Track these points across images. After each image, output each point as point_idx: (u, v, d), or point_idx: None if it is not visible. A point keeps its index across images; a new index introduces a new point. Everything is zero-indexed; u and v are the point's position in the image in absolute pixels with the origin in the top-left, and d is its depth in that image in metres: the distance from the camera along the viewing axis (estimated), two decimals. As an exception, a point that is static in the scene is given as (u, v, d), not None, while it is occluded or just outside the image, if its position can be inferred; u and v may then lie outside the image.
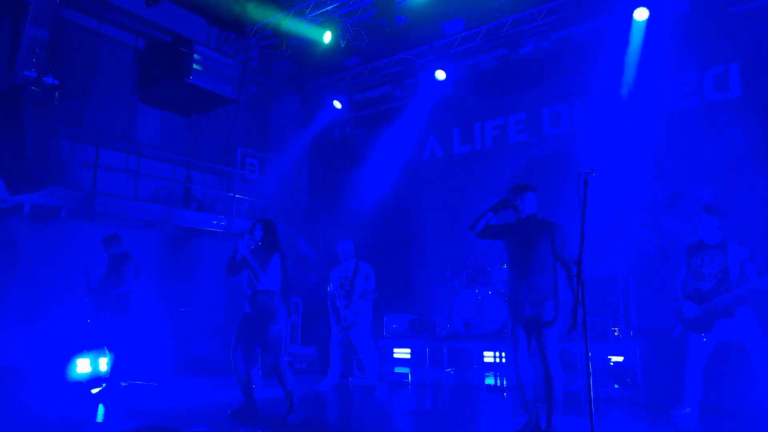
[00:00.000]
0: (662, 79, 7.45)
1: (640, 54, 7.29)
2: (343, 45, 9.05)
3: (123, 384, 6.10)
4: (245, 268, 4.71)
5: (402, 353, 7.87)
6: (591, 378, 3.13)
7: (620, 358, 5.99)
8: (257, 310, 4.62)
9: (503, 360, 6.69)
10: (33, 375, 6.34)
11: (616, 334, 6.04)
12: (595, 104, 7.97)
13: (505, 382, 6.59)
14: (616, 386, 5.83)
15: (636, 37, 7.27)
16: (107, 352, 6.04)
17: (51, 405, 5.41)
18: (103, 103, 8.53)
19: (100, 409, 5.25)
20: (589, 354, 3.07)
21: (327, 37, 8.78)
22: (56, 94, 6.35)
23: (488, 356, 7.14)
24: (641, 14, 7.14)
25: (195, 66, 8.53)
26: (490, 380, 6.93)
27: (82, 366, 6.19)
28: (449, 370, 7.43)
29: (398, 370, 7.71)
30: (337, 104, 9.94)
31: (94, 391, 6.00)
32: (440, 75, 8.83)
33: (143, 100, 9.12)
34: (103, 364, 6.16)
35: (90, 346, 6.22)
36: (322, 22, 8.77)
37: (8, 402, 5.49)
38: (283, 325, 4.71)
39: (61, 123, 6.61)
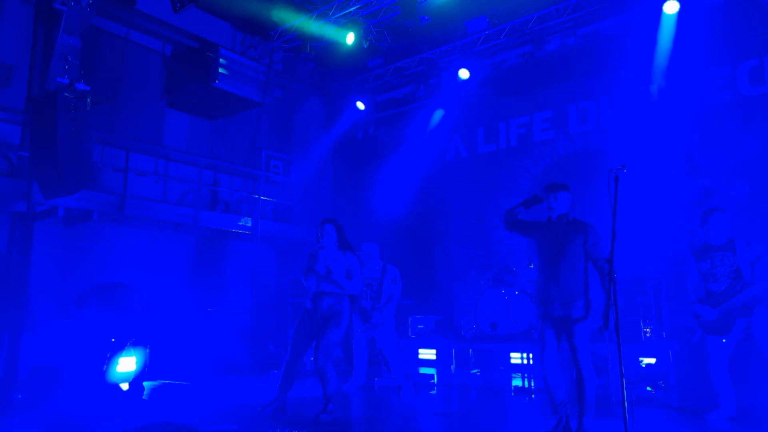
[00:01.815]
0: (694, 74, 7.26)
1: (671, 48, 7.12)
2: (366, 46, 9.07)
3: (150, 383, 6.20)
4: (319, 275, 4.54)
5: (427, 354, 7.83)
6: (623, 380, 3.06)
7: (652, 360, 5.86)
8: (323, 312, 4.52)
9: (530, 361, 6.60)
10: (68, 374, 6.48)
11: (647, 335, 5.90)
12: (624, 100, 7.81)
13: (532, 384, 6.50)
14: (648, 388, 5.70)
15: (666, 31, 7.10)
16: (139, 351, 6.15)
17: (85, 404, 5.54)
18: (132, 108, 8.71)
19: (128, 407, 5.36)
20: (620, 356, 3.00)
21: (350, 38, 8.81)
22: (88, 99, 6.49)
23: (515, 357, 7.06)
24: (671, 7, 6.97)
25: (221, 70, 8.64)
26: (517, 382, 6.84)
27: (124, 365, 6.30)
28: (475, 371, 7.37)
29: (424, 370, 7.67)
30: (361, 105, 9.96)
31: (125, 387, 6.11)
32: (464, 74, 8.78)
33: (171, 105, 9.28)
34: (134, 363, 6.27)
35: (123, 345, 6.33)
36: (345, 23, 8.80)
37: (45, 401, 5.64)
38: (345, 329, 4.59)
39: (93, 128, 6.75)
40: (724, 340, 4.51)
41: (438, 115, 9.52)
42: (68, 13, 6.89)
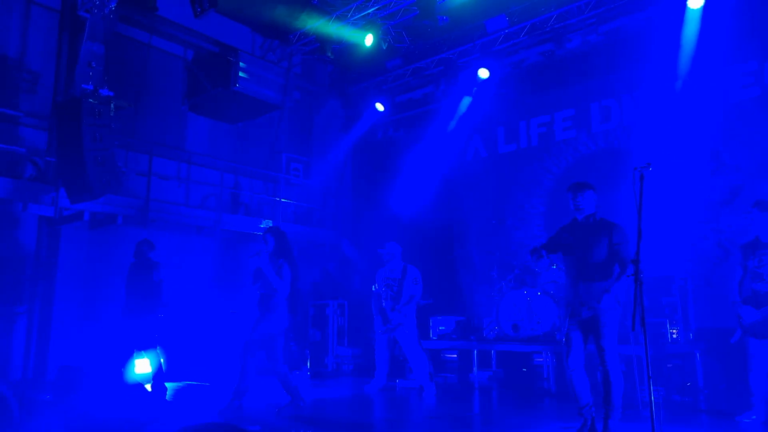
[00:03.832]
0: (720, 70, 7.09)
1: (696, 44, 6.96)
2: (384, 47, 9.07)
3: (174, 384, 6.28)
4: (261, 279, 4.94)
5: (449, 355, 7.78)
6: (650, 382, 3.00)
7: (678, 361, 5.73)
8: (264, 315, 4.90)
9: (553, 363, 6.51)
10: (92, 375, 6.59)
11: (674, 336, 5.78)
12: (647, 98, 7.67)
13: (555, 386, 6.41)
14: (675, 391, 5.58)
15: (690, 27, 6.95)
16: (158, 352, 6.23)
17: (108, 405, 5.62)
18: (154, 112, 8.84)
19: (155, 408, 5.42)
20: (647, 357, 2.94)
21: (368, 40, 8.82)
22: (111, 105, 6.61)
23: (538, 359, 6.97)
24: (696, 2, 6.82)
25: (241, 74, 8.73)
26: (540, 383, 6.76)
27: (141, 366, 6.40)
28: (497, 372, 7.30)
29: (445, 372, 7.63)
30: (380, 107, 9.96)
31: (147, 387, 6.19)
32: (483, 73, 8.72)
33: (192, 109, 9.40)
34: (150, 364, 6.34)
35: (144, 346, 6.41)
36: (363, 25, 8.81)
37: (74, 402, 5.74)
38: (284, 329, 4.93)
39: (116, 133, 6.87)
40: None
41: (457, 115, 9.46)
42: (92, 21, 7.02)
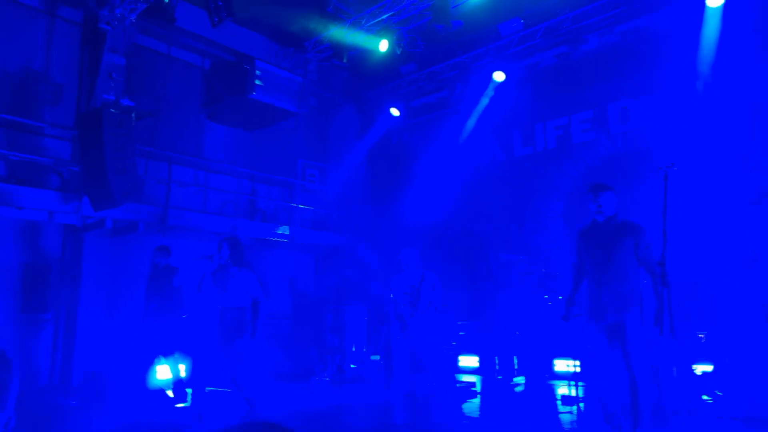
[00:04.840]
0: (744, 68, 6.96)
1: (717, 42, 6.86)
2: (399, 52, 9.08)
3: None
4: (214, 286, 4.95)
5: (469, 361, 7.73)
6: (679, 388, 2.95)
7: (708, 367, 5.60)
8: (227, 324, 4.87)
9: (578, 369, 6.43)
10: (116, 381, 6.67)
11: (702, 341, 5.67)
12: (668, 98, 7.57)
13: (580, 392, 6.32)
14: (704, 397, 5.46)
15: (711, 25, 6.86)
16: (178, 358, 6.28)
17: (132, 410, 5.68)
18: (173, 121, 8.95)
19: (176, 414, 5.46)
20: (677, 363, 2.89)
21: (383, 45, 8.84)
22: (132, 115, 6.72)
23: (561, 365, 6.89)
24: (715, 0, 6.73)
25: (257, 82, 8.80)
26: (564, 390, 6.68)
27: (162, 372, 6.46)
28: (519, 378, 7.23)
29: (466, 378, 7.58)
30: (395, 111, 9.97)
31: (169, 392, 6.24)
32: (499, 76, 8.69)
33: (210, 118, 9.50)
34: (170, 370, 6.39)
35: (166, 352, 6.47)
36: (378, 31, 8.84)
37: (101, 408, 5.81)
38: (249, 339, 4.91)
39: (137, 142, 6.98)
40: None
41: (473, 118, 9.44)
42: (113, 33, 7.16)
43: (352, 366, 8.75)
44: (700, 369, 5.59)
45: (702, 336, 5.63)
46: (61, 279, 7.46)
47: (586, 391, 6.12)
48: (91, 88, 7.37)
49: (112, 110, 6.58)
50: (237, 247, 5.03)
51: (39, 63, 7.61)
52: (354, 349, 8.87)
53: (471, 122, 9.48)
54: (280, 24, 9.51)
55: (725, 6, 6.74)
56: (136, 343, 7.12)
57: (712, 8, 6.82)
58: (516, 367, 7.50)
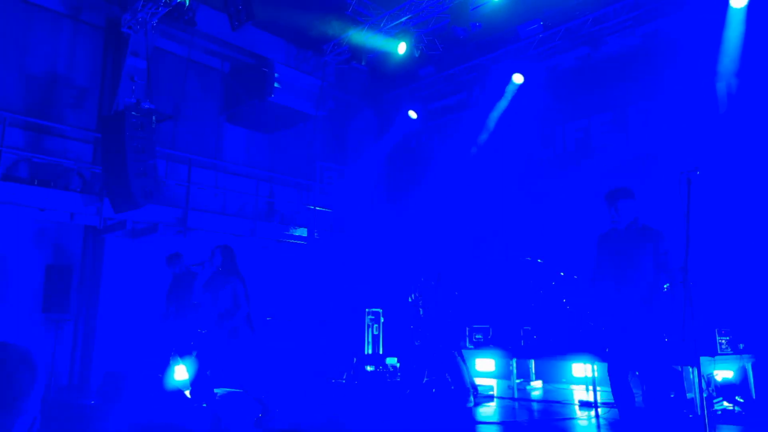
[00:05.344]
0: (768, 69, 6.83)
1: (741, 43, 6.72)
2: (417, 55, 9.08)
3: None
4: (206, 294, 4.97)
5: (486, 364, 7.67)
6: (702, 393, 2.89)
7: (729, 373, 5.49)
8: (222, 330, 4.89)
9: (596, 374, 6.34)
10: (135, 381, 6.75)
11: (723, 347, 5.55)
12: (689, 100, 7.44)
13: (598, 397, 6.23)
14: (725, 404, 5.35)
15: (734, 26, 6.73)
16: (192, 359, 6.32)
17: (150, 411, 5.73)
18: (193, 124, 9.06)
19: (193, 415, 5.50)
20: (697, 368, 2.83)
21: (401, 48, 8.85)
22: (153, 117, 6.81)
23: (579, 369, 6.80)
24: (739, 1, 6.60)
25: (275, 85, 8.86)
26: (581, 395, 6.59)
27: (180, 373, 6.51)
28: (537, 382, 7.15)
29: (482, 381, 7.52)
30: (413, 114, 9.96)
31: (186, 393, 6.28)
32: (517, 78, 8.64)
33: (229, 120, 9.59)
34: (187, 371, 6.44)
35: (183, 353, 6.52)
36: (396, 34, 8.85)
37: (115, 407, 5.88)
38: (242, 344, 4.91)
39: (157, 144, 7.07)
40: None
41: (491, 120, 9.38)
42: (134, 37, 7.27)
43: (370, 368, 8.75)
44: (720, 375, 5.47)
45: (723, 341, 5.51)
46: (82, 279, 7.58)
47: (603, 396, 6.03)
48: (113, 91, 7.50)
49: (133, 113, 6.67)
50: (229, 255, 5.06)
51: (62, 67, 7.76)
52: (372, 350, 8.87)
53: (490, 124, 9.43)
54: (299, 27, 9.57)
55: (749, 6, 6.61)
56: (154, 344, 7.20)
57: (735, 9, 6.69)
58: (533, 370, 7.42)
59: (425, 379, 6.70)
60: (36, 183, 6.98)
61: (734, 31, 6.77)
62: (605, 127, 8.47)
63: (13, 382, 1.10)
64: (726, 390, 5.47)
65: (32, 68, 7.48)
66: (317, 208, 9.83)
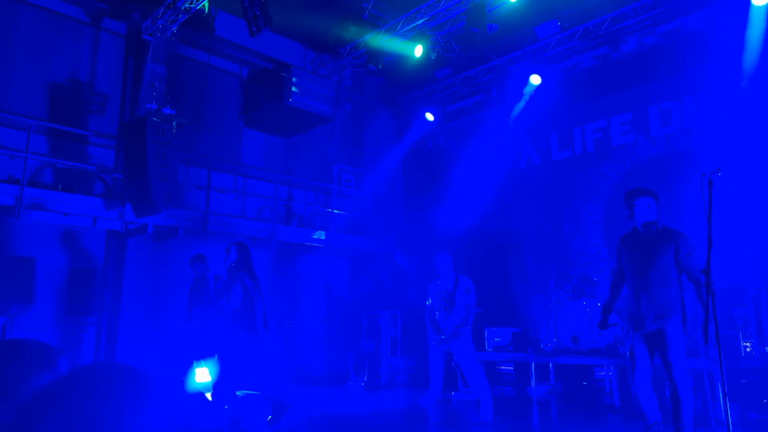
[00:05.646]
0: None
1: (763, 41, 6.60)
2: (434, 57, 9.08)
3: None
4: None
5: (505, 368, 7.62)
6: (725, 398, 2.83)
7: (754, 377, 5.37)
8: (245, 337, 4.97)
9: (617, 377, 6.25)
10: (156, 383, 6.83)
11: (748, 350, 5.44)
12: (711, 99, 7.32)
13: (619, 401, 6.15)
14: (750, 408, 5.23)
15: (756, 24, 6.60)
16: (214, 362, 6.38)
17: (171, 414, 5.79)
18: (212, 129, 9.18)
19: (215, 417, 5.55)
20: (722, 372, 2.78)
21: (418, 51, 8.85)
22: (173, 123, 6.92)
23: (599, 372, 6.72)
24: (761, -1, 6.48)
25: (293, 89, 8.94)
26: (602, 398, 6.51)
27: (201, 375, 6.58)
28: (556, 385, 7.07)
29: (501, 384, 7.47)
30: (430, 116, 9.95)
31: (208, 395, 6.35)
32: (535, 80, 8.57)
33: (248, 125, 9.69)
34: (209, 373, 6.50)
35: (205, 355, 6.59)
36: (413, 36, 8.85)
37: (135, 409, 5.95)
38: (257, 340, 4.96)
39: (178, 149, 7.18)
40: None
41: (509, 122, 9.33)
42: (155, 44, 7.40)
43: (386, 371, 8.75)
44: (745, 378, 5.36)
45: (748, 345, 5.40)
46: (104, 283, 7.72)
47: (625, 400, 5.94)
48: (134, 97, 7.63)
49: (154, 119, 6.78)
50: (244, 252, 5.11)
51: (85, 74, 7.93)
52: (389, 354, 8.86)
53: (507, 126, 9.38)
54: (316, 32, 9.64)
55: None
56: (176, 346, 7.30)
57: (757, 6, 6.57)
58: (552, 373, 7.34)
59: (442, 383, 6.66)
60: (60, 188, 7.13)
61: (756, 29, 6.64)
62: (625, 127, 8.36)
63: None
64: (751, 394, 5.35)
65: (56, 76, 7.66)
66: (335, 211, 9.87)
